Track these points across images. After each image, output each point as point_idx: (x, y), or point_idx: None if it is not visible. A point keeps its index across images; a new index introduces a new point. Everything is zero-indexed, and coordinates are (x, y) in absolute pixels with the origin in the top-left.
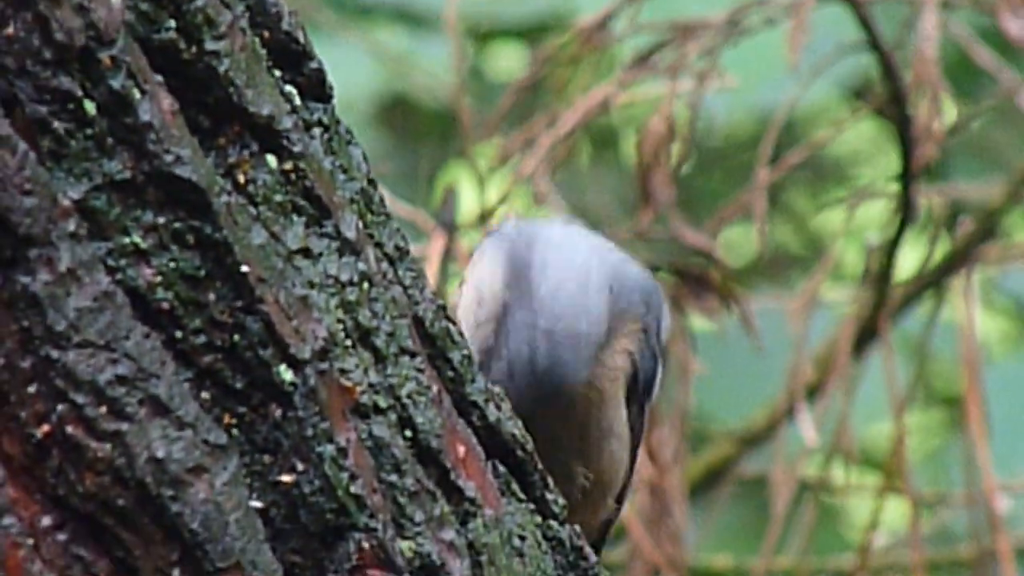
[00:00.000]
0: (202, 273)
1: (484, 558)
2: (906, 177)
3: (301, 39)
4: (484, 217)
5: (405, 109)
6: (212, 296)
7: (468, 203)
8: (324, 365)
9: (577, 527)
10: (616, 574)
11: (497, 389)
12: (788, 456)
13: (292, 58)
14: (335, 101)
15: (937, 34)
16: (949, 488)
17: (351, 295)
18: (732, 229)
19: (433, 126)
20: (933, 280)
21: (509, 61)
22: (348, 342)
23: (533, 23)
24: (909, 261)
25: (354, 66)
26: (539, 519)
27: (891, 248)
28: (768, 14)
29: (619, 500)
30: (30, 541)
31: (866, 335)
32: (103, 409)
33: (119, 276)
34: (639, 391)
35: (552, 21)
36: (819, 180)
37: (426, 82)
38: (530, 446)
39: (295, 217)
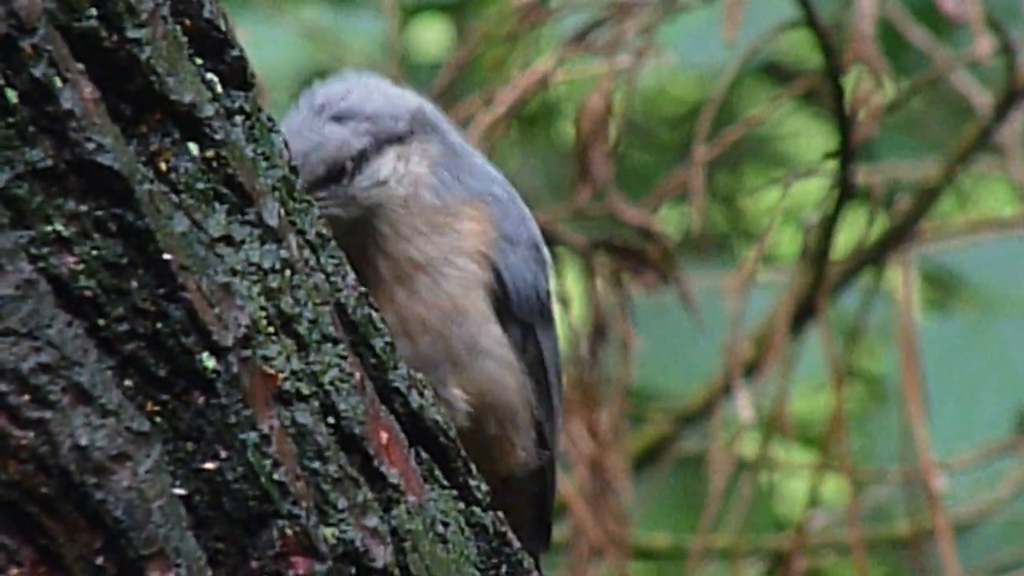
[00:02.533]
0: (124, 261)
1: (407, 544)
2: (843, 155)
3: (223, 27)
4: None
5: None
6: (134, 284)
7: None
8: (247, 352)
9: (500, 513)
10: (560, 552)
11: (420, 376)
12: (726, 433)
13: (214, 46)
14: (257, 85)
15: (874, 12)
16: (877, 463)
17: (273, 282)
18: (665, 208)
19: None
20: (870, 258)
21: (434, 37)
22: (271, 329)
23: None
24: (846, 239)
25: (278, 43)
26: (462, 505)
27: (829, 226)
28: None
29: (543, 445)
30: None
31: (803, 312)
32: (26, 397)
33: (41, 264)
34: (513, 308)
35: None
36: (751, 160)
37: (351, 58)
38: (453, 433)
39: (217, 205)
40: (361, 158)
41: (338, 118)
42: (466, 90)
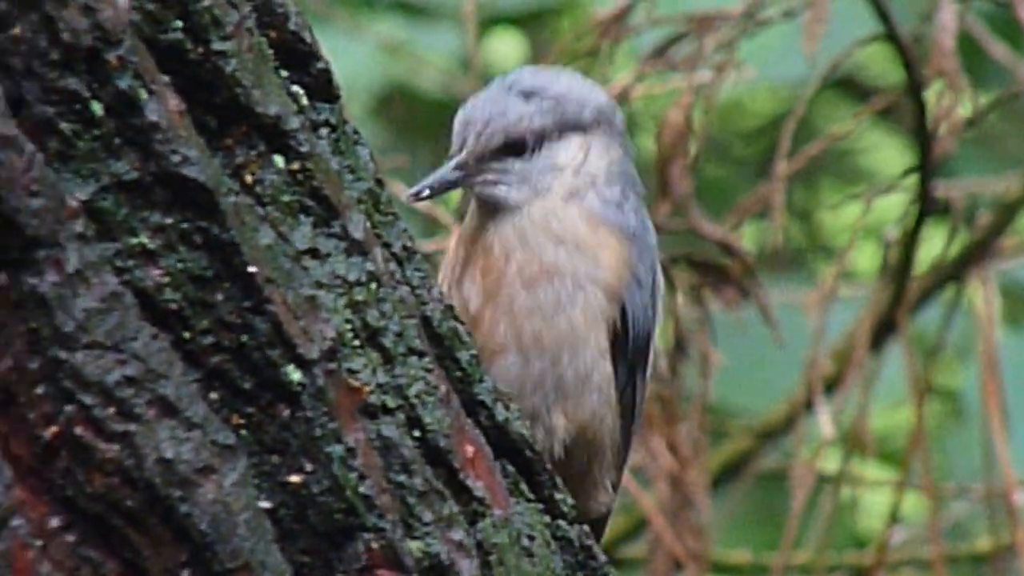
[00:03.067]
0: (210, 274)
1: (493, 558)
2: (923, 170)
3: (308, 39)
4: None
5: (405, 100)
6: (220, 296)
7: None
8: (332, 365)
9: (586, 527)
10: (637, 568)
11: (506, 389)
12: (806, 449)
13: (299, 58)
14: (342, 99)
15: (955, 26)
16: (956, 479)
17: (359, 295)
18: (744, 223)
19: (433, 117)
20: (951, 274)
21: (508, 50)
22: (356, 342)
23: (533, 9)
24: (926, 255)
25: (356, 57)
26: (548, 519)
27: (909, 242)
28: (786, 6)
29: (614, 487)
30: (39, 542)
31: (883, 328)
32: (111, 410)
33: (127, 277)
34: (628, 350)
35: (554, 6)
36: (829, 175)
37: (426, 71)
38: (539, 446)
39: (303, 217)
40: (541, 136)
41: (525, 94)
42: None
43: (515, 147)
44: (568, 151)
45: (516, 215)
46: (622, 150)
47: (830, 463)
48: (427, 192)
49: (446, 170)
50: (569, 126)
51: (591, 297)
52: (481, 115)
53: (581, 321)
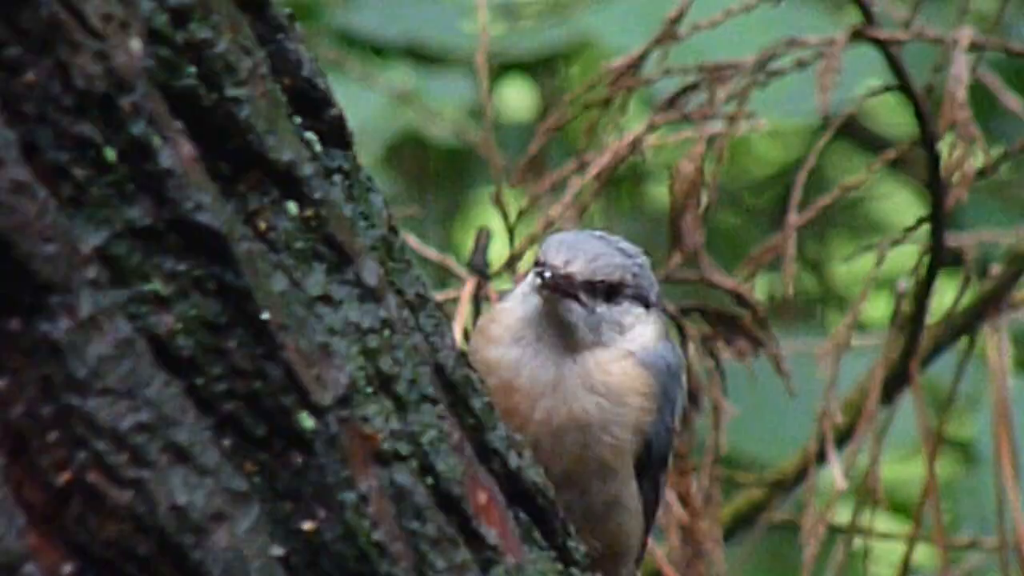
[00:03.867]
0: (223, 320)
1: None
2: (935, 221)
3: (321, 86)
4: (512, 261)
5: (416, 149)
6: (233, 343)
7: (495, 247)
8: (345, 412)
9: (600, 574)
10: None
11: (518, 437)
12: (818, 501)
13: (312, 105)
14: (355, 147)
15: (967, 77)
16: (968, 529)
17: (372, 342)
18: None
19: (444, 165)
20: (963, 325)
21: (517, 96)
22: (369, 389)
23: (544, 54)
24: (938, 306)
25: (368, 105)
26: (561, 566)
27: (921, 293)
28: (798, 56)
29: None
30: None
31: (895, 379)
32: (124, 456)
33: (140, 323)
34: (651, 465)
35: (566, 52)
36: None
37: (437, 120)
38: (552, 493)
39: (316, 264)
40: (626, 296)
41: (623, 252)
42: (557, 154)
43: (609, 291)
44: (634, 317)
45: (561, 361)
46: (663, 325)
47: (842, 514)
48: (539, 280)
49: (557, 274)
50: (640, 297)
51: (618, 437)
52: (591, 248)
53: (609, 457)
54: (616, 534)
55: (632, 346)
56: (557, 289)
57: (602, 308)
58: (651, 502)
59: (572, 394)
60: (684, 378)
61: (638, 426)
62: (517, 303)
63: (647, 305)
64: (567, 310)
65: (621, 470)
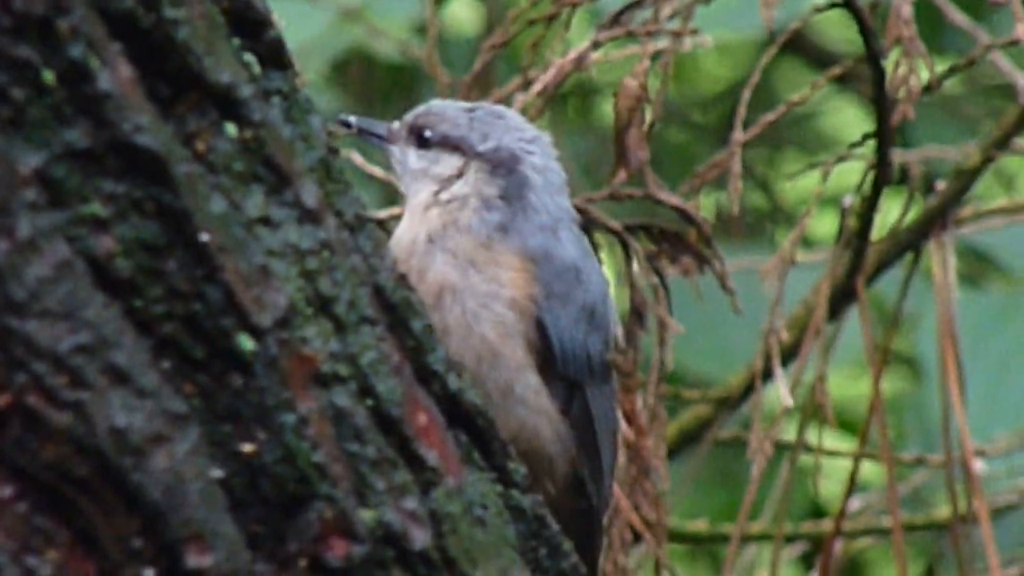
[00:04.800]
0: (162, 242)
1: (446, 527)
2: (881, 138)
3: (259, 7)
4: None
5: (362, 66)
6: (172, 265)
7: None
8: (285, 334)
9: (539, 496)
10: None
11: (458, 359)
12: (764, 418)
13: (250, 26)
14: (295, 67)
15: None
16: (914, 444)
17: (312, 264)
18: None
19: (390, 83)
20: (908, 242)
21: (465, 14)
22: (309, 311)
23: None
24: (884, 223)
25: (313, 23)
26: (501, 488)
27: (867, 209)
28: None
29: (584, 493)
30: None
31: (841, 296)
32: (63, 379)
33: (79, 245)
34: (558, 365)
35: None
36: (787, 141)
37: (383, 37)
38: (491, 415)
39: (255, 186)
40: (435, 142)
41: (469, 109)
42: (503, 71)
43: (419, 138)
44: (440, 164)
45: (415, 216)
46: (506, 191)
47: (788, 432)
48: (353, 121)
49: (379, 122)
50: (462, 147)
51: (497, 312)
52: (432, 104)
53: (492, 336)
54: (518, 428)
55: (447, 196)
56: (388, 140)
57: (410, 154)
58: (581, 416)
59: (436, 262)
60: (597, 280)
61: (520, 306)
62: None
63: (474, 155)
64: (393, 160)
65: (509, 354)
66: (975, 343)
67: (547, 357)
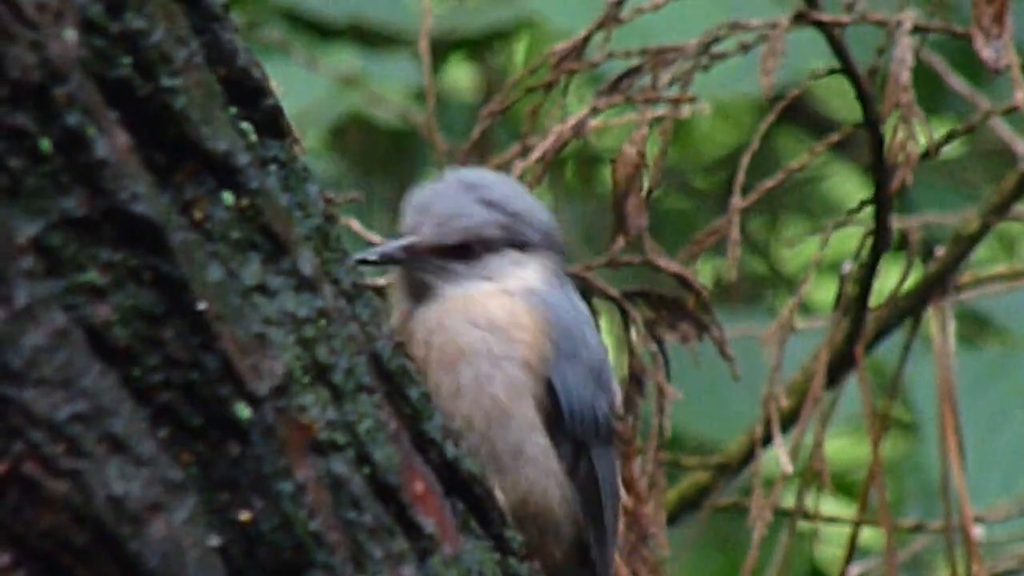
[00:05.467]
0: (159, 310)
1: None
2: (880, 203)
3: (256, 75)
4: None
5: (361, 132)
6: (169, 333)
7: None
8: (282, 402)
9: (536, 563)
10: None
11: (455, 426)
12: (763, 484)
13: (247, 95)
14: (293, 135)
15: (911, 59)
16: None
17: (309, 332)
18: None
19: (389, 149)
20: (908, 308)
21: (462, 76)
22: (306, 379)
23: (490, 35)
24: (883, 289)
25: (313, 89)
26: (498, 556)
27: (865, 275)
28: (741, 39)
29: (587, 559)
30: None
31: (840, 362)
32: (60, 447)
33: (76, 314)
34: (565, 424)
35: (511, 30)
36: (788, 209)
37: (382, 103)
38: (488, 484)
39: (252, 254)
40: (487, 248)
41: (486, 202)
42: (502, 137)
43: (464, 252)
44: (505, 266)
45: (438, 302)
46: (555, 268)
47: (787, 498)
48: (373, 258)
49: (395, 247)
50: (514, 243)
51: (509, 373)
52: (442, 208)
53: (503, 396)
54: (527, 490)
55: (510, 286)
56: (412, 261)
57: (457, 266)
58: (586, 477)
59: (456, 329)
60: (598, 343)
61: (531, 365)
62: None
63: (523, 248)
64: (423, 276)
65: (519, 415)
66: (968, 400)
67: (555, 417)
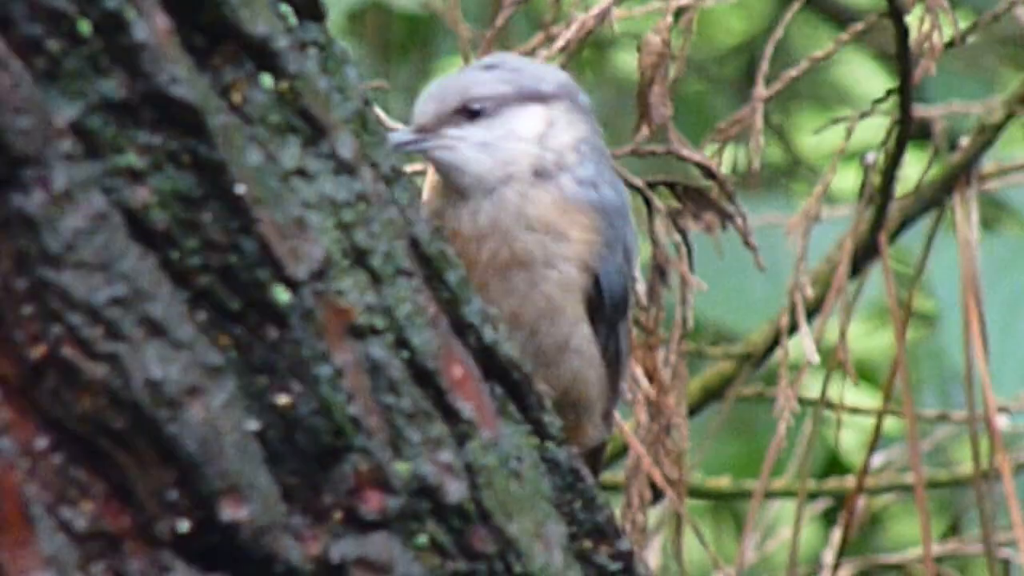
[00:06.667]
0: (198, 193)
1: (482, 480)
2: (904, 92)
3: None
4: None
5: (379, 17)
6: (208, 216)
7: None
8: (320, 286)
9: (574, 448)
10: (616, 494)
11: (494, 311)
12: (788, 374)
13: None
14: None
15: None
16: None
17: (348, 216)
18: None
19: (408, 35)
20: (932, 198)
21: None
22: (345, 263)
23: None
24: (908, 179)
25: None
26: (536, 440)
27: (889, 166)
28: None
29: (605, 422)
30: (26, 463)
31: (864, 252)
32: (99, 330)
33: (115, 196)
34: (605, 311)
35: None
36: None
37: None
38: (527, 368)
39: (291, 137)
40: (500, 103)
41: (485, 66)
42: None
43: (472, 112)
44: (529, 120)
45: (488, 199)
46: (589, 127)
47: (810, 387)
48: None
49: (400, 134)
50: (529, 96)
51: (564, 272)
52: (440, 85)
53: (557, 294)
54: (571, 380)
55: (548, 156)
56: (421, 142)
57: (476, 131)
58: (612, 353)
59: (511, 234)
60: (630, 214)
61: (583, 261)
62: None
63: (543, 100)
64: (445, 155)
65: (570, 309)
66: (988, 286)
67: (597, 304)
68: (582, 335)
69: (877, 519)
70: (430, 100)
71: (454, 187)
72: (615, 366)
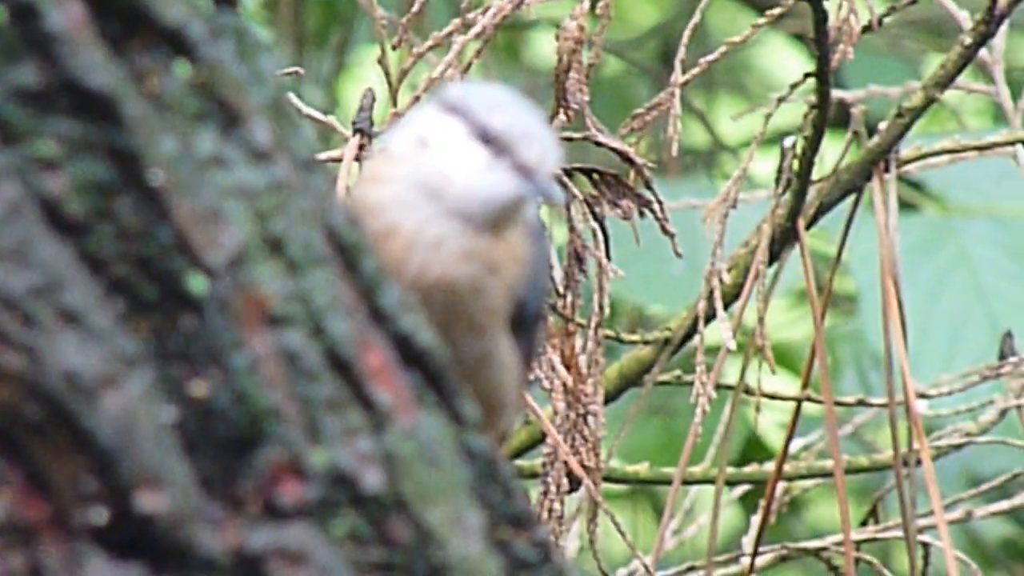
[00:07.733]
0: (113, 182)
1: (400, 469)
2: (822, 76)
3: None
4: (396, 120)
5: (292, 2)
6: (123, 205)
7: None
8: (237, 275)
9: (492, 438)
10: (534, 483)
11: (411, 299)
12: (705, 360)
13: None
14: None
15: None
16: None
17: (264, 204)
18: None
19: (323, 20)
20: (850, 182)
21: None
22: (262, 251)
23: None
24: (828, 163)
25: None
26: (455, 429)
27: (808, 150)
28: None
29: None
30: None
31: (782, 237)
32: (16, 321)
33: (30, 186)
34: (526, 323)
35: None
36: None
37: None
38: (445, 356)
39: (206, 125)
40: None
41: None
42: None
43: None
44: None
45: (448, 226)
46: None
47: (733, 373)
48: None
49: (554, 186)
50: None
51: (488, 304)
52: (544, 132)
53: (481, 320)
54: (490, 389)
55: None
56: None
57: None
58: (527, 354)
59: (448, 259)
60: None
61: (511, 291)
62: (449, 160)
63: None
64: (529, 204)
65: (492, 328)
66: (908, 267)
67: (518, 319)
68: (504, 348)
69: (797, 504)
70: (553, 152)
71: (447, 201)
72: (530, 360)
